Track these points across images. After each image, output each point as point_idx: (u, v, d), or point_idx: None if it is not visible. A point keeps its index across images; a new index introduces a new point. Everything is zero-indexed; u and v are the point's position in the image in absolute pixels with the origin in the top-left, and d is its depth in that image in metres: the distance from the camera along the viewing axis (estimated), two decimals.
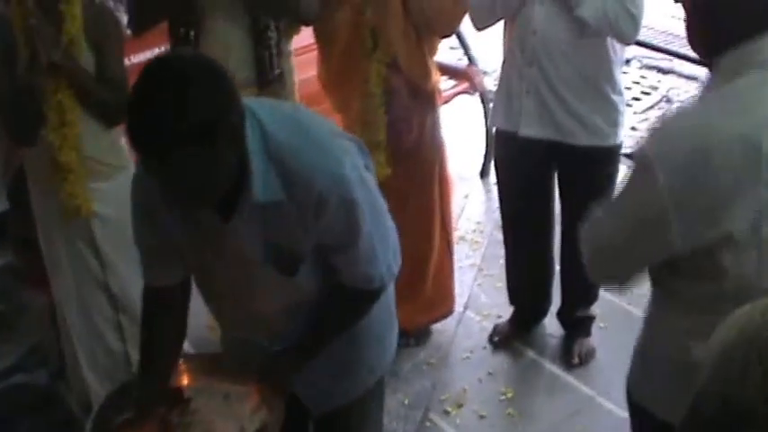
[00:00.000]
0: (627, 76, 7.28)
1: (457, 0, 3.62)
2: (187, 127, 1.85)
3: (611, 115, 3.67)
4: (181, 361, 2.44)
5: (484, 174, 5.80)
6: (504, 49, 3.77)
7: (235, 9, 3.49)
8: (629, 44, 3.61)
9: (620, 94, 3.70)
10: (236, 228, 2.14)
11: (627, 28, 3.42)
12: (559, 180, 3.93)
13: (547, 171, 3.90)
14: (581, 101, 3.62)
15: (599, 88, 3.61)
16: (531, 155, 3.76)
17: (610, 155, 3.76)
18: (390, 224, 2.36)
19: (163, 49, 4.55)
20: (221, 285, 2.33)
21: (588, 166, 3.75)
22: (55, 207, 3.44)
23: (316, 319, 2.35)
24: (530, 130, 3.71)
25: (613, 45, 3.56)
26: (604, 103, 3.64)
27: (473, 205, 5.56)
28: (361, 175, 2.18)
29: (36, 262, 3.68)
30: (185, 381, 2.43)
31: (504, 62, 3.79)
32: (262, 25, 3.50)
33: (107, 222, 3.49)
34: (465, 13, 3.68)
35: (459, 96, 5.70)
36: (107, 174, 3.45)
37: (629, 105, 6.78)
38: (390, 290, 2.55)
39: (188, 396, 2.35)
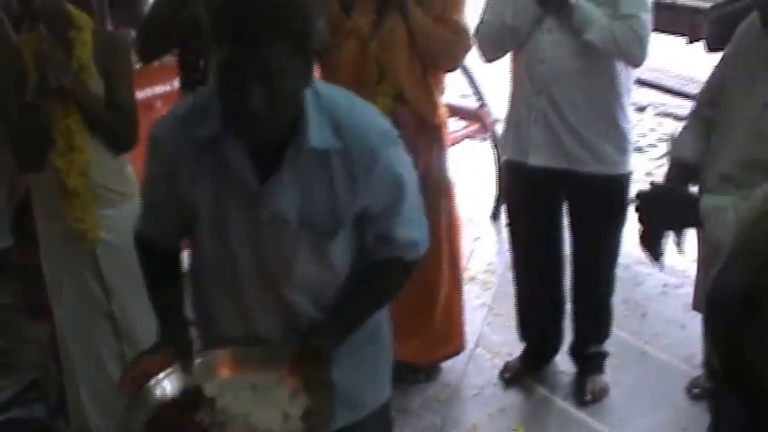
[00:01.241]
0: (643, 123, 7.32)
1: (460, 34, 3.66)
2: (286, 25, 1.95)
3: (621, 143, 3.68)
4: (198, 358, 2.31)
5: (495, 216, 5.81)
6: (512, 80, 3.80)
7: None
8: (637, 67, 3.61)
9: (629, 122, 3.71)
10: (273, 189, 2.13)
11: (635, 50, 3.45)
12: (569, 211, 3.92)
13: (556, 201, 3.90)
14: (590, 128, 3.62)
15: (608, 115, 3.62)
16: (540, 184, 3.77)
17: (619, 183, 3.75)
18: None
19: (170, 84, 4.63)
20: (245, 264, 2.25)
21: (598, 194, 3.74)
22: (60, 233, 3.45)
23: (352, 290, 2.32)
24: (539, 159, 3.71)
25: (622, 72, 3.58)
26: (614, 130, 3.65)
27: (484, 247, 5.56)
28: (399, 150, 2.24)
29: (38, 294, 3.67)
30: (208, 377, 2.28)
31: (511, 92, 3.81)
32: None
33: (112, 250, 3.48)
34: (469, 47, 3.71)
35: (470, 139, 5.72)
36: (114, 201, 3.46)
37: (644, 152, 6.81)
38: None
39: (211, 395, 2.21)
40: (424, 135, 3.81)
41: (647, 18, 3.46)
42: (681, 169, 2.83)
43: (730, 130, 2.63)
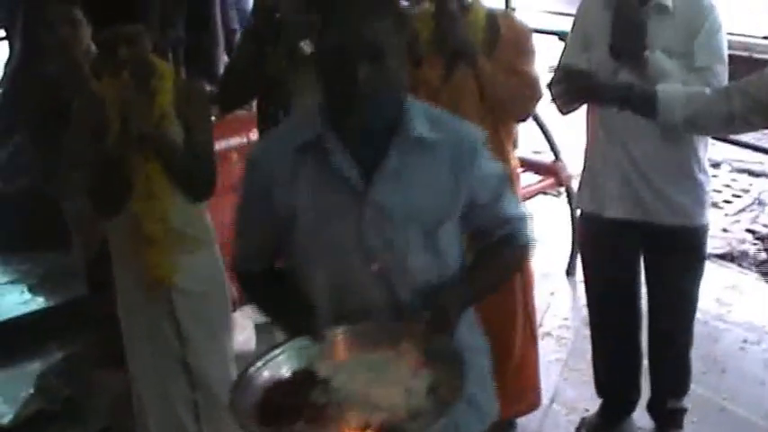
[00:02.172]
0: (717, 180, 7.24)
1: (530, 83, 3.66)
2: (389, 3, 2.15)
3: (698, 194, 3.65)
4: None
5: (570, 272, 5.77)
6: (588, 131, 3.81)
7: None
8: None
9: (706, 173, 3.68)
10: (378, 182, 2.19)
11: None
12: (646, 263, 3.88)
13: (633, 254, 3.86)
14: (666, 180, 3.61)
15: (684, 167, 3.60)
16: (616, 236, 3.75)
17: (696, 235, 3.72)
18: None
19: (247, 137, 4.72)
20: (353, 266, 2.25)
21: (674, 247, 3.71)
22: (136, 280, 3.51)
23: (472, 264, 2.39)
24: (615, 211, 3.70)
25: None
26: (690, 181, 3.62)
27: (559, 302, 5.52)
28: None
29: (111, 343, 3.74)
30: (320, 358, 2.20)
31: (587, 144, 3.83)
32: None
33: (188, 296, 3.54)
34: (539, 96, 3.71)
35: (545, 194, 5.73)
36: (191, 247, 3.52)
37: (719, 207, 6.76)
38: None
39: (324, 377, 2.13)
40: None
41: (722, 70, 3.45)
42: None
43: None
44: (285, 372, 2.18)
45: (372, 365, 2.15)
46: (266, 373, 2.17)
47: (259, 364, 2.18)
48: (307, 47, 3.45)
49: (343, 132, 2.20)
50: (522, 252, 2.45)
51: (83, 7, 3.88)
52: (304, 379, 2.14)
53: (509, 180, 2.40)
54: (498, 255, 2.39)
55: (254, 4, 3.68)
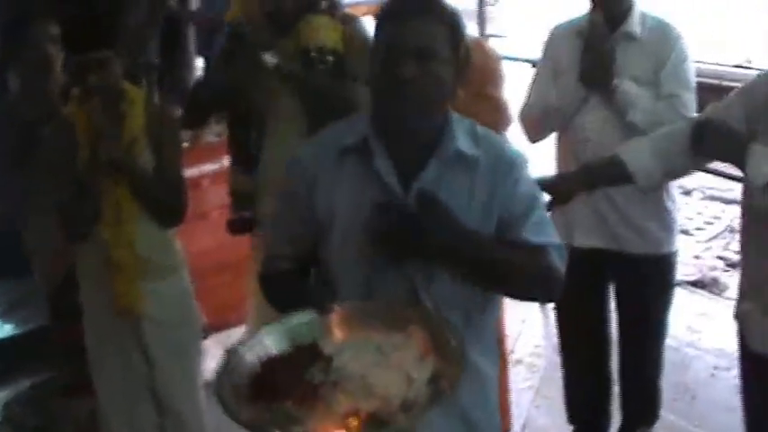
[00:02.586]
0: (689, 207, 7.33)
1: (499, 108, 3.75)
2: (443, 14, 2.23)
3: (666, 222, 3.68)
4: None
5: None
6: (557, 160, 3.84)
7: (294, 111, 3.59)
8: None
9: (674, 200, 3.72)
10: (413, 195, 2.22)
11: None
12: (616, 291, 3.91)
13: (602, 282, 3.89)
14: (635, 208, 3.63)
15: (653, 195, 3.60)
16: (586, 266, 3.71)
17: (666, 263, 3.75)
18: None
19: (219, 163, 4.71)
20: (384, 275, 2.26)
21: (644, 275, 3.73)
22: (105, 306, 3.49)
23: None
24: (585, 240, 3.72)
25: None
26: (658, 209, 3.66)
27: (531, 329, 5.53)
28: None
29: (78, 371, 3.72)
30: (326, 335, 2.14)
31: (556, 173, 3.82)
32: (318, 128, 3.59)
33: (157, 323, 3.53)
34: (509, 122, 3.78)
35: None
36: (159, 274, 3.52)
37: (691, 234, 6.82)
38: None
39: (328, 353, 2.08)
40: None
41: (690, 98, 3.49)
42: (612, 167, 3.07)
43: None
44: (289, 345, 2.14)
45: (379, 347, 2.10)
46: (256, 352, 2.12)
47: (248, 340, 2.14)
48: (270, 58, 3.47)
49: (387, 138, 2.26)
50: (546, 269, 2.31)
51: None
52: (306, 355, 2.10)
53: (543, 205, 2.39)
54: (524, 249, 2.28)
55: (227, 27, 3.70)
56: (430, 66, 2.17)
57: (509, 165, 2.31)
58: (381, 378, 2.01)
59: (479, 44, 3.99)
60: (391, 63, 2.17)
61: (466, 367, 2.04)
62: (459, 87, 3.47)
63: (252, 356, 2.10)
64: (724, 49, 8.92)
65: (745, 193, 2.96)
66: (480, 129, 2.36)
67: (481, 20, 6.33)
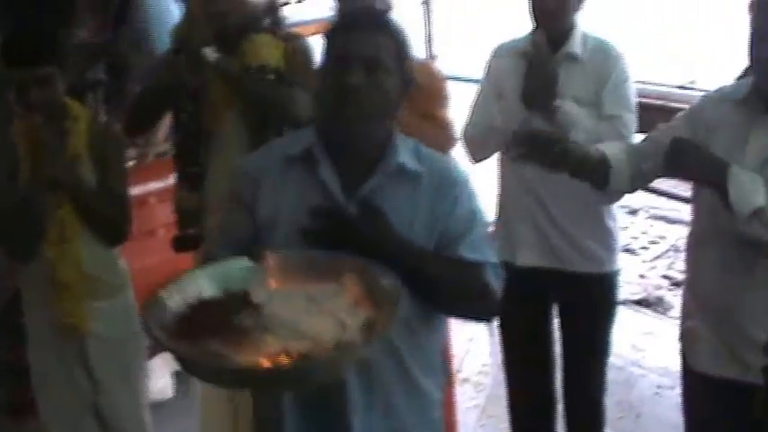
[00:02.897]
0: (634, 226, 7.43)
1: (444, 128, 3.81)
2: (393, 31, 2.34)
3: (608, 241, 3.72)
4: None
5: None
6: (499, 180, 3.87)
7: (239, 129, 3.61)
8: None
9: (615, 220, 3.76)
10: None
11: None
12: (559, 310, 3.94)
13: (546, 300, 3.92)
14: (577, 227, 3.68)
15: (594, 214, 3.67)
16: (529, 284, 3.77)
17: (608, 282, 3.78)
18: None
19: (165, 181, 4.70)
20: None
21: (586, 294, 3.77)
22: (49, 324, 3.49)
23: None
24: (527, 258, 3.75)
25: None
26: (600, 229, 3.70)
27: (478, 348, 5.57)
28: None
29: (23, 390, 3.70)
30: (257, 283, 2.15)
31: (499, 192, 3.88)
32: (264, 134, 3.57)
33: (102, 341, 3.54)
34: (454, 142, 3.82)
35: None
36: (105, 292, 3.52)
37: (636, 254, 6.90)
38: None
39: (258, 302, 2.09)
40: None
41: (631, 118, 3.55)
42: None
43: None
44: (219, 292, 2.15)
45: (310, 296, 2.12)
46: (186, 293, 2.12)
47: (180, 281, 2.14)
48: (211, 53, 3.47)
49: (332, 148, 2.31)
50: (481, 287, 2.35)
51: None
52: (236, 301, 2.10)
53: (485, 224, 2.44)
54: (460, 265, 2.32)
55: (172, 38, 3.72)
56: (377, 76, 2.25)
57: (451, 182, 2.37)
58: (312, 324, 2.03)
59: (425, 65, 4.03)
60: (339, 72, 2.24)
61: (407, 338, 2.22)
62: (404, 106, 3.53)
63: (181, 298, 2.10)
64: (669, 68, 9.07)
65: (698, 213, 3.03)
66: (424, 148, 2.41)
67: (428, 40, 6.38)
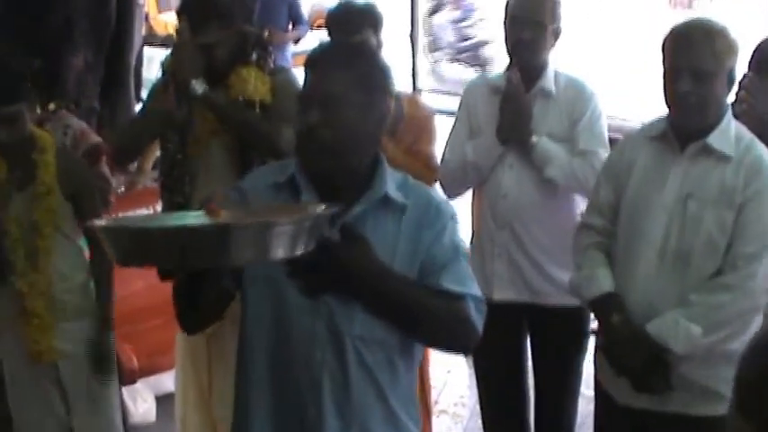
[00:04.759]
0: None
1: (427, 163, 3.91)
2: (352, 63, 2.37)
3: None
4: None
5: None
6: (474, 215, 3.97)
7: (225, 161, 3.76)
8: None
9: None
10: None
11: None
12: (532, 343, 4.04)
13: (519, 335, 4.01)
14: (552, 261, 3.78)
15: (568, 248, 3.68)
16: (504, 318, 3.78)
17: (580, 314, 3.86)
18: None
19: (153, 208, 4.85)
20: (302, 310, 2.35)
21: (559, 326, 3.88)
22: (22, 351, 3.59)
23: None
24: (503, 293, 3.84)
25: (582, 206, 3.75)
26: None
27: (456, 380, 5.67)
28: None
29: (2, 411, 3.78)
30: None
31: (474, 228, 3.97)
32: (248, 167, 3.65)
33: (73, 361, 3.63)
34: (436, 177, 3.91)
35: None
36: (74, 314, 3.63)
37: None
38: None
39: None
40: None
41: (605, 154, 3.62)
42: (611, 302, 3.16)
43: (642, 232, 3.05)
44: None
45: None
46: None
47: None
48: (199, 85, 3.61)
49: (314, 178, 2.38)
50: (461, 318, 2.36)
51: None
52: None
53: (466, 258, 2.46)
54: (441, 296, 2.35)
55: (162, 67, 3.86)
56: (334, 112, 2.30)
57: (436, 214, 2.41)
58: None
59: (413, 100, 4.16)
60: (300, 110, 2.35)
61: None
62: (389, 140, 3.63)
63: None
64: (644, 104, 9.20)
65: None
66: (412, 181, 2.47)
67: (414, 74, 6.54)
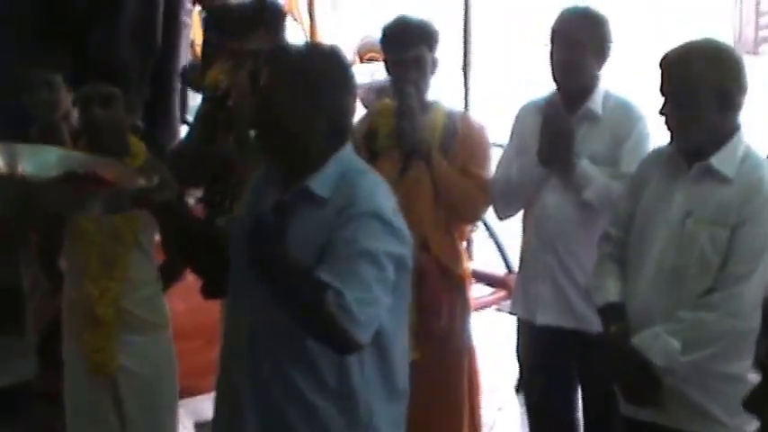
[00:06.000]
0: None
1: (481, 187, 3.92)
2: (295, 69, 2.60)
3: None
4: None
5: (519, 388, 5.86)
6: (523, 237, 4.00)
7: None
8: None
9: None
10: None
11: None
12: (579, 371, 3.99)
13: (566, 361, 3.97)
14: None
15: None
16: (549, 343, 3.88)
17: None
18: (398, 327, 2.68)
19: None
20: (244, 290, 2.66)
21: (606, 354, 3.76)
22: (83, 357, 3.64)
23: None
24: (546, 318, 3.86)
25: None
26: None
27: (507, 418, 5.67)
28: (385, 236, 2.52)
29: (54, 419, 3.86)
30: None
31: (522, 249, 4.01)
32: None
33: (133, 377, 3.68)
34: (489, 200, 3.96)
35: (497, 308, 5.87)
36: (139, 328, 3.66)
37: None
38: None
39: None
40: (448, 286, 4.00)
41: None
42: (613, 312, 3.25)
43: (647, 245, 3.14)
44: None
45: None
46: None
47: None
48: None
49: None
50: (320, 308, 2.40)
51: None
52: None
53: (372, 262, 2.48)
54: (310, 280, 2.42)
55: (205, 90, 3.88)
56: (270, 110, 2.57)
57: (357, 209, 2.52)
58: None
59: (468, 120, 4.19)
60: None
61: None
62: (443, 156, 3.75)
63: None
64: None
65: None
66: (357, 178, 2.62)
67: (466, 98, 6.56)
